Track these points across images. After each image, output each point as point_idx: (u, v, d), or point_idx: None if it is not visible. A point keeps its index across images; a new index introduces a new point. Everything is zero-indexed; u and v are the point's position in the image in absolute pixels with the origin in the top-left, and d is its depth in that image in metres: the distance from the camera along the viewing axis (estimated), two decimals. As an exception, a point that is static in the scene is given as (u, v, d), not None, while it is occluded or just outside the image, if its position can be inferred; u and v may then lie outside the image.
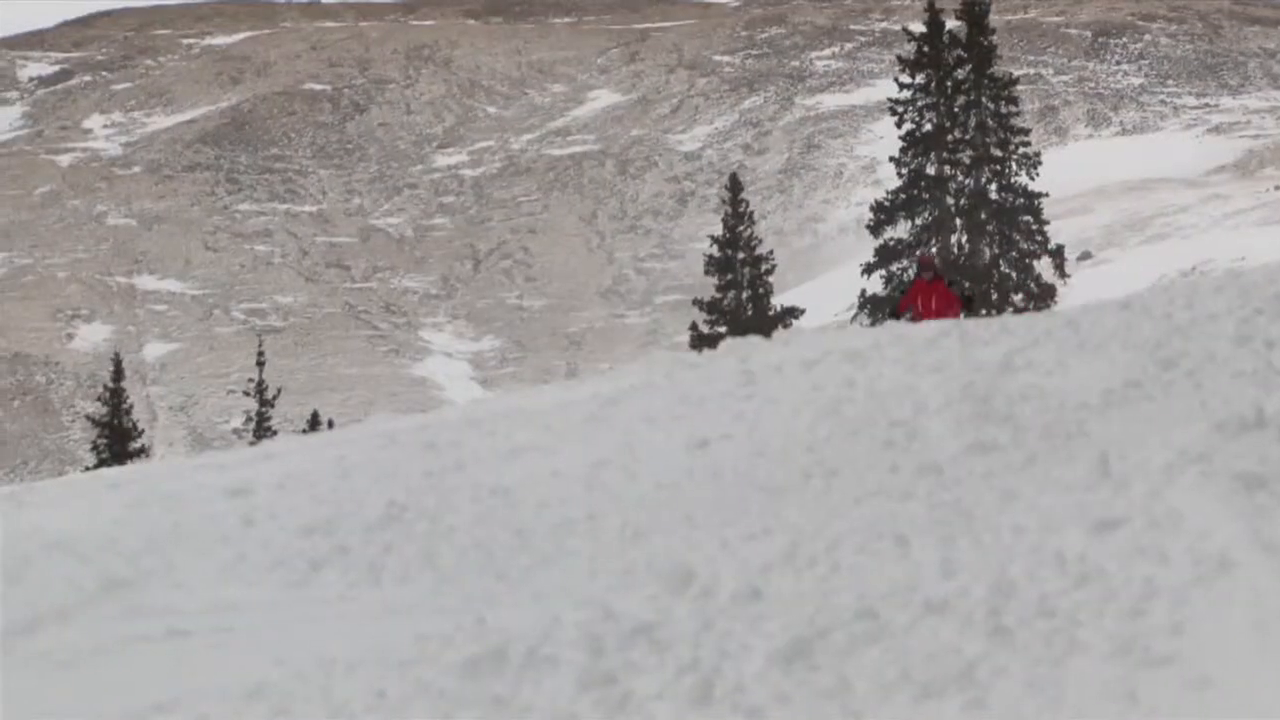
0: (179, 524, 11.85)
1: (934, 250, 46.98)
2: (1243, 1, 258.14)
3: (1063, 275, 73.95)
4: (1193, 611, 7.00)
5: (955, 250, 73.34)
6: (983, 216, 73.14)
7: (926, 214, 73.97)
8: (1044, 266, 72.14)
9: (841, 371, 13.56)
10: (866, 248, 79.69)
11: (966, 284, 40.60)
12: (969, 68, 75.88)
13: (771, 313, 68.60)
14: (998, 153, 74.48)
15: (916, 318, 33.66)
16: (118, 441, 64.96)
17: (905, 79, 77.25)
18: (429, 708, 7.23)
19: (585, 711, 6.96)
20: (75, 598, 9.89)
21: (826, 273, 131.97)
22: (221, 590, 9.72)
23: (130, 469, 18.86)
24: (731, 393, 13.66)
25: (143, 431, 70.38)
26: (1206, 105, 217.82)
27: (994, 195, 74.18)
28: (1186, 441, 9.17)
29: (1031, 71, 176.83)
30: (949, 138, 74.81)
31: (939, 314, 32.36)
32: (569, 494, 10.78)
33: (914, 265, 42.52)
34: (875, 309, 67.46)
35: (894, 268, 72.66)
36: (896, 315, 35.57)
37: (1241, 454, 8.75)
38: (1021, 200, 73.90)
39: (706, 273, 75.03)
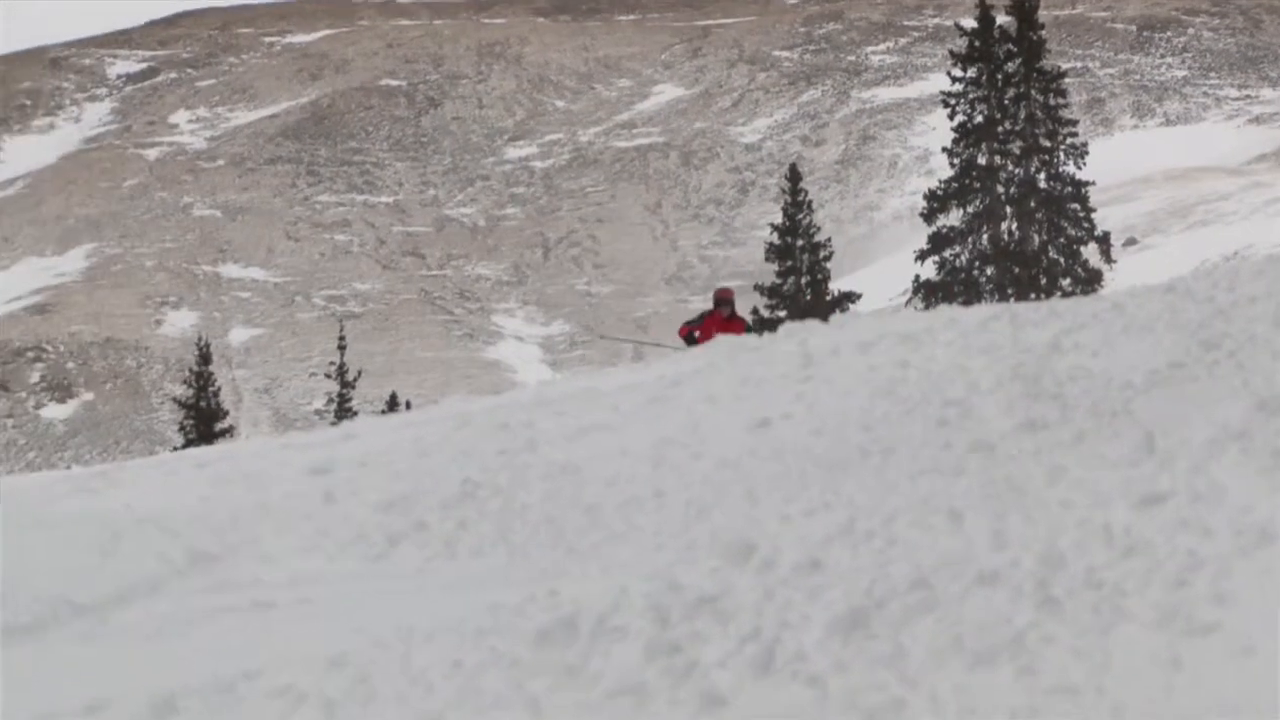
0: (263, 501, 11.88)
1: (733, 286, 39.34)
2: None
3: (1109, 261, 73.58)
4: (1235, 582, 6.99)
5: (1005, 237, 73.23)
6: (1032, 204, 72.86)
7: (978, 202, 73.80)
8: (1090, 252, 71.86)
9: (896, 353, 13.55)
10: (920, 235, 79.23)
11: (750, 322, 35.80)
12: (1019, 61, 75.59)
13: (829, 297, 68.51)
14: (1046, 143, 74.16)
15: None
16: (204, 422, 65.12)
17: (957, 72, 76.73)
18: (503, 675, 7.25)
19: (652, 679, 6.97)
20: (165, 571, 9.92)
21: (882, 259, 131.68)
22: (304, 563, 9.76)
23: (216, 449, 18.93)
24: (790, 374, 13.65)
25: (228, 413, 70.55)
26: (1248, 96, 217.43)
27: (1042, 184, 73.86)
28: (1228, 419, 9.15)
29: (1079, 65, 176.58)
30: (999, 129, 74.51)
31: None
32: (636, 472, 10.79)
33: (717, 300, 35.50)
34: (929, 296, 67.43)
35: (946, 254, 72.53)
36: (687, 338, 33.56)
37: (1281, 432, 8.74)
38: (1069, 189, 73.53)
39: (767, 259, 74.95)
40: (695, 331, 32.20)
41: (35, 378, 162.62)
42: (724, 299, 33.71)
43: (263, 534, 10.55)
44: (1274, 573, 6.98)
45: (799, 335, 16.92)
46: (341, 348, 78.79)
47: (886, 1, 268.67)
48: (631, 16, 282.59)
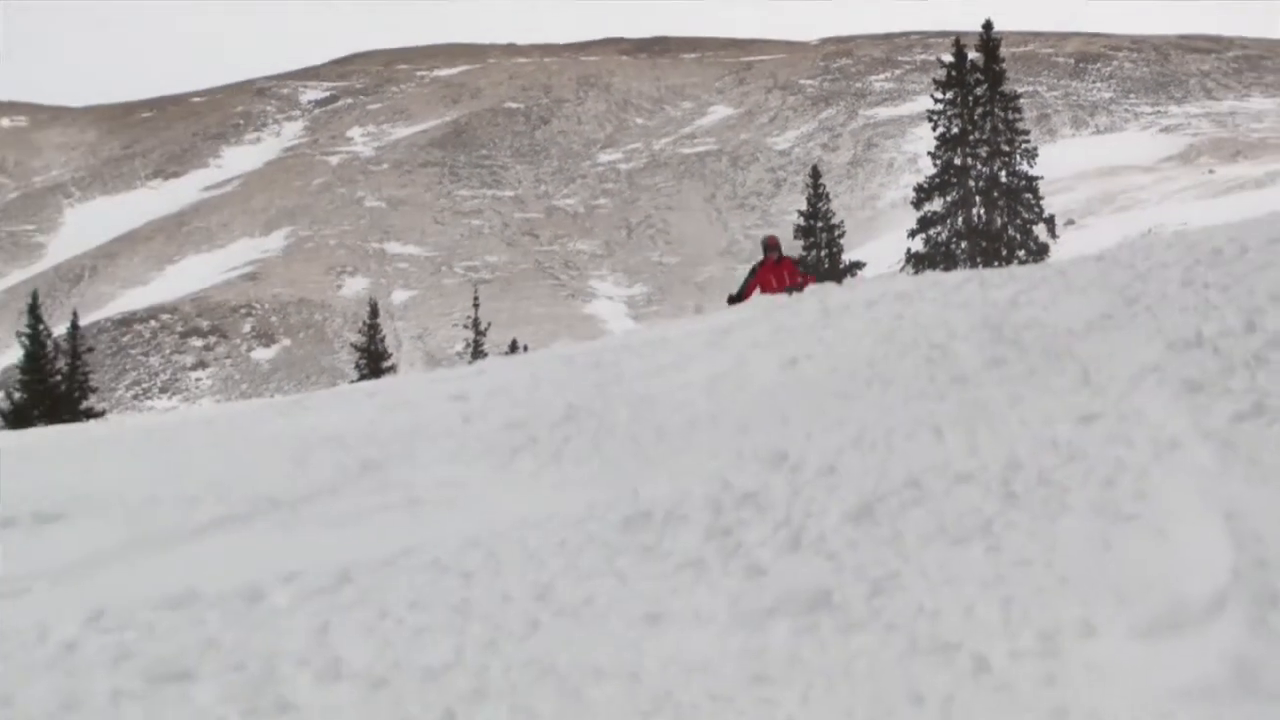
0: (416, 422, 11.85)
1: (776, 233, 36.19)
2: (1186, 36, 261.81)
3: (1054, 237, 75.45)
4: (1151, 482, 6.94)
5: (975, 219, 75.22)
6: (995, 195, 75.73)
7: (954, 193, 76.59)
8: (1040, 231, 74.92)
9: (893, 308, 13.46)
10: (911, 218, 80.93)
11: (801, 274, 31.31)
12: (985, 87, 77.96)
13: (842, 266, 71.35)
14: (1006, 148, 76.97)
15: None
16: (373, 362, 65.08)
17: (939, 95, 79.53)
18: (597, 554, 7.23)
19: (709, 556, 6.95)
20: (342, 476, 9.91)
21: (882, 237, 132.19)
22: (447, 470, 9.72)
23: (382, 382, 18.97)
24: (813, 324, 13.58)
25: (391, 355, 70.65)
26: (1159, 112, 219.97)
27: (1003, 179, 76.40)
28: (1146, 357, 9.09)
29: (1030, 89, 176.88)
30: (970, 138, 77.14)
31: (781, 289, 28.74)
32: (695, 399, 10.75)
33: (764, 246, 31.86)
34: (917, 265, 68.43)
35: (931, 232, 75.36)
36: (739, 300, 28.80)
37: (1186, 366, 8.68)
38: (1023, 182, 76.50)
39: (795, 237, 77.54)
40: (750, 290, 29.09)
41: (247, 328, 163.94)
42: (771, 245, 30.41)
43: (416, 447, 10.53)
44: (1180, 474, 6.93)
45: (819, 294, 16.90)
46: (476, 305, 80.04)
47: (886, 42, 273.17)
48: (693, 55, 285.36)
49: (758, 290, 29.16)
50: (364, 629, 6.59)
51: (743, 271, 29.88)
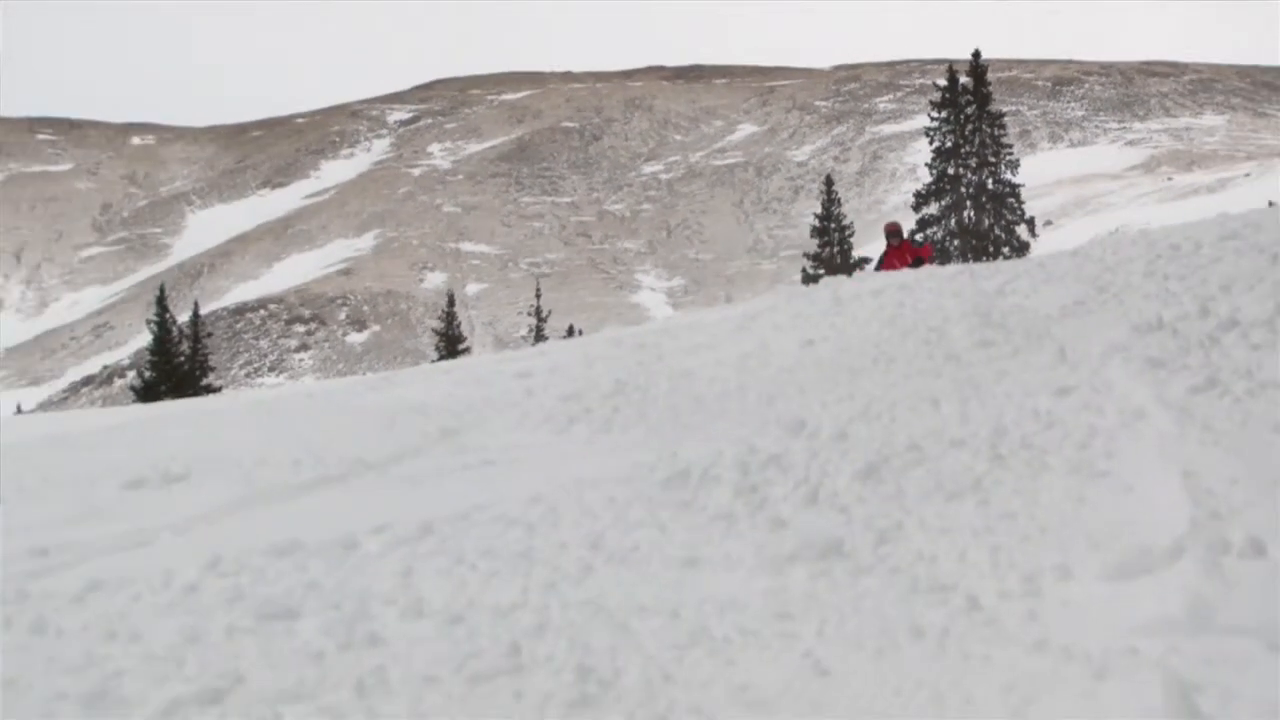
0: (487, 395, 11.84)
1: (898, 220, 34.39)
2: (1147, 62, 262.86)
3: (1034, 235, 75.79)
4: (1119, 444, 6.92)
5: (966, 220, 75.61)
6: (983, 199, 76.04)
7: (948, 199, 76.82)
8: (1021, 230, 75.10)
9: (896, 297, 13.43)
10: (911, 219, 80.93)
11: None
12: (974, 107, 77.88)
13: (851, 261, 71.36)
14: (992, 159, 77.06)
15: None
16: (450, 345, 65.28)
17: (935, 114, 79.51)
18: (642, 508, 7.22)
19: (739, 510, 6.93)
20: (424, 441, 9.90)
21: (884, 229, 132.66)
22: (513, 436, 9.71)
23: (457, 361, 18.97)
24: (827, 311, 13.55)
25: (465, 338, 70.75)
26: (1123, 128, 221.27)
27: (990, 186, 76.57)
28: (1114, 338, 9.07)
29: (1013, 108, 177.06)
30: (962, 150, 77.22)
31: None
32: (727, 375, 10.72)
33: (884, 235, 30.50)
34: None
35: (928, 232, 75.66)
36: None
37: (1149, 345, 8.66)
38: (1007, 189, 76.56)
39: (811, 236, 78.81)
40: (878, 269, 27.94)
41: (342, 316, 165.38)
42: (892, 231, 29.32)
43: (487, 416, 10.51)
44: (1144, 439, 6.91)
45: (832, 285, 16.86)
46: (537, 296, 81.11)
47: (889, 68, 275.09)
48: (724, 80, 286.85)
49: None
50: (442, 573, 6.60)
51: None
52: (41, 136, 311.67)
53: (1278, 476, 6.06)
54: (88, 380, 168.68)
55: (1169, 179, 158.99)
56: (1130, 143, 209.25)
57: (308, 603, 6.32)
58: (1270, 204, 18.66)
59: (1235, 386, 7.54)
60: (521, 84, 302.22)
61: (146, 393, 56.10)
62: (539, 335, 73.33)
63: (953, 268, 16.58)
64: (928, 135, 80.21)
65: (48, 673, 5.72)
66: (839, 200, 78.95)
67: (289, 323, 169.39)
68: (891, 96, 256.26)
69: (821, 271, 68.81)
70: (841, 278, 20.11)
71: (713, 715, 4.68)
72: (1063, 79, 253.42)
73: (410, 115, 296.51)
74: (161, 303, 61.21)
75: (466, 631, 5.73)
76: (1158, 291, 10.52)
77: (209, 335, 71.31)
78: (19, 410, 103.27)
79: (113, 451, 11.57)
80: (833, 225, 77.02)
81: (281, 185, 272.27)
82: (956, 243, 73.87)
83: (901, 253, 28.44)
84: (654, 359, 12.20)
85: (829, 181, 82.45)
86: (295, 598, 6.42)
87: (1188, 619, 4.79)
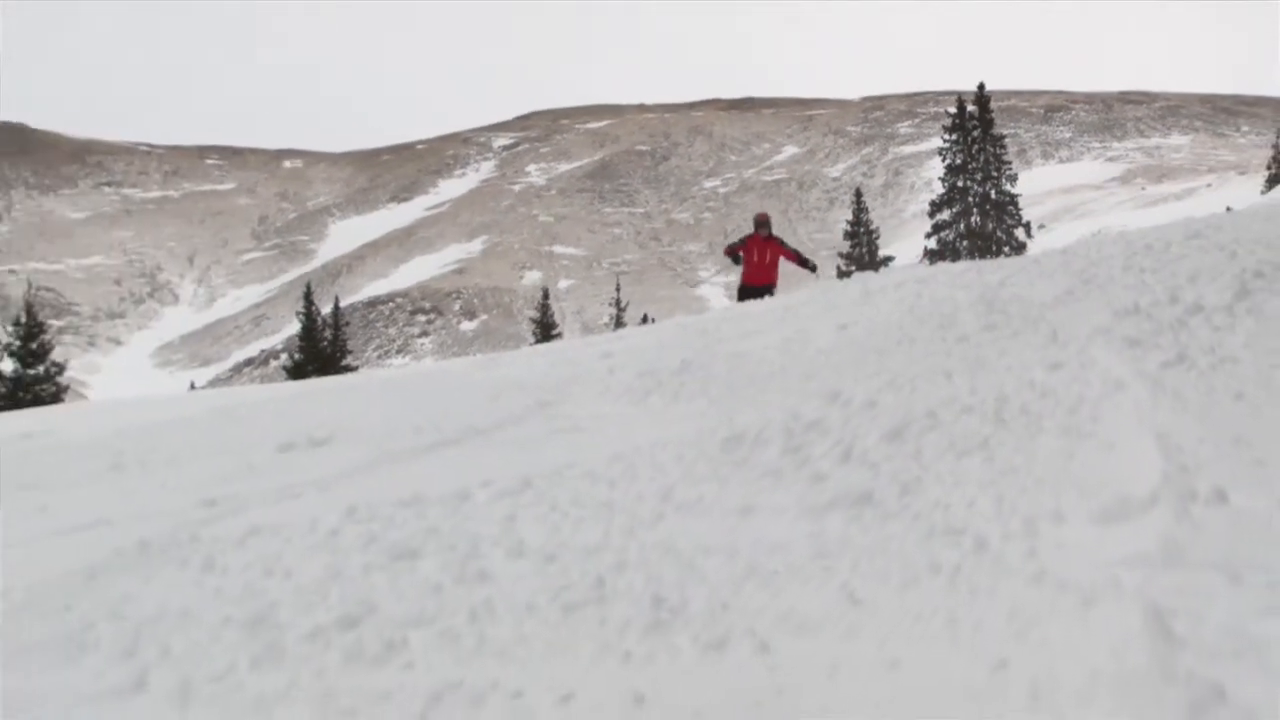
0: (575, 373, 11.83)
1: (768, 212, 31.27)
2: (1124, 92, 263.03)
3: (1029, 236, 76.16)
4: (1102, 410, 6.85)
5: (973, 225, 76.19)
6: (987, 207, 77.51)
7: (958, 207, 77.64)
8: (1020, 233, 75.88)
9: (915, 289, 13.33)
10: (926, 224, 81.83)
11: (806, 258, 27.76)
12: (979, 130, 78.42)
13: (877, 260, 72.08)
14: (994, 174, 78.10)
15: (748, 264, 26.41)
16: (544, 331, 65.36)
17: (947, 136, 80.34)
18: (705, 465, 7.19)
19: (785, 466, 6.90)
20: (524, 411, 9.89)
21: (906, 238, 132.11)
22: (597, 406, 9.69)
23: (551, 345, 19.02)
24: (857, 301, 13.48)
25: (557, 326, 70.91)
26: (1105, 146, 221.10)
27: (993, 196, 77.47)
28: (1098, 322, 8.97)
29: (1012, 131, 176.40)
30: (969, 166, 78.06)
31: (762, 266, 26.21)
32: (773, 355, 10.68)
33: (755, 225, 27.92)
34: (932, 258, 68.91)
35: (942, 235, 76.75)
36: (733, 255, 26.99)
37: (1127, 328, 8.57)
38: (1007, 198, 77.95)
39: (844, 239, 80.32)
40: (739, 251, 26.51)
41: (456, 307, 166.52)
42: (761, 221, 26.86)
43: (575, 390, 10.50)
44: (1124, 405, 6.84)
45: (861, 280, 16.79)
46: (617, 290, 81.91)
47: (908, 99, 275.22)
48: (770, 110, 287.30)
49: (742, 254, 26.73)
50: (539, 520, 6.60)
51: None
52: (210, 161, 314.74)
53: (1237, 436, 6.01)
54: (248, 362, 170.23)
55: (1143, 189, 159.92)
56: (1110, 159, 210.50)
57: (428, 545, 6.34)
58: (1228, 209, 18.51)
59: (1200, 361, 7.48)
60: (603, 115, 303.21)
61: (296, 372, 56.56)
62: (618, 323, 73.67)
63: (962, 264, 16.48)
64: (940, 154, 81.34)
65: (216, 602, 5.79)
66: (866, 209, 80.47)
67: (412, 313, 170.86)
68: (910, 122, 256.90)
69: (852, 268, 70.36)
70: (869, 273, 20.02)
71: (764, 637, 4.68)
72: (1053, 106, 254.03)
73: (511, 141, 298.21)
74: (308, 298, 61.71)
75: (559, 568, 5.75)
76: (1134, 283, 10.42)
77: (347, 324, 71.56)
78: (192, 386, 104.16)
79: (268, 421, 11.63)
80: (861, 230, 78.35)
81: (406, 200, 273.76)
82: (965, 243, 75.22)
83: (765, 246, 26.41)
84: (714, 342, 12.17)
85: (858, 194, 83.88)
86: (418, 540, 6.44)
87: (1162, 556, 4.77)
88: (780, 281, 25.90)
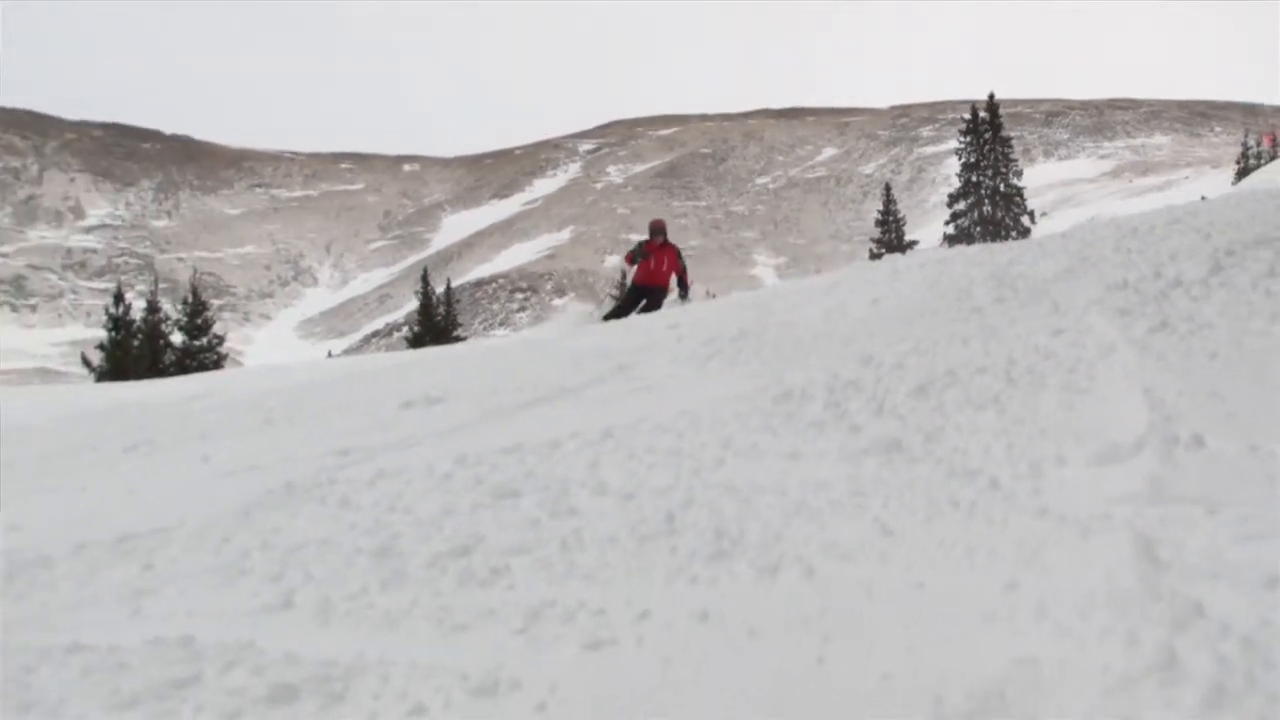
0: (648, 340, 11.80)
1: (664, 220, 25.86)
2: (1113, 99, 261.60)
3: (1033, 223, 76.65)
4: (1097, 370, 6.79)
5: (985, 213, 76.36)
6: (997, 198, 78.00)
7: (972, 198, 77.69)
8: (1025, 220, 76.38)
9: (936, 268, 13.22)
10: (945, 213, 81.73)
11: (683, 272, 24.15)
12: (990, 133, 78.33)
13: (904, 244, 71.99)
14: (1003, 170, 78.18)
15: (640, 273, 23.60)
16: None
17: (962, 139, 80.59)
18: (759, 418, 7.16)
19: (827, 419, 6.86)
20: (604, 373, 9.87)
21: (929, 225, 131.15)
22: (667, 369, 9.66)
23: (625, 320, 19.04)
24: (888, 278, 13.36)
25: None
26: (1097, 146, 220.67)
27: (1002, 189, 77.93)
28: (1092, 294, 8.88)
29: (1017, 134, 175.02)
30: (981, 164, 78.27)
31: (656, 275, 23.47)
32: (816, 325, 10.61)
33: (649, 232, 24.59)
34: (950, 242, 68.87)
35: (959, 222, 77.01)
36: (630, 261, 23.88)
37: (1117, 299, 8.48)
38: (1014, 190, 78.10)
39: (876, 226, 79.96)
40: (638, 259, 23.41)
41: (548, 286, 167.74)
42: (657, 228, 23.79)
43: (648, 356, 10.47)
44: (1115, 365, 6.78)
45: (891, 261, 16.66)
46: (684, 268, 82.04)
47: (930, 107, 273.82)
48: (813, 117, 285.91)
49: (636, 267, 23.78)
50: (619, 465, 6.60)
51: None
52: (343, 165, 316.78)
53: (1212, 390, 5.99)
54: (375, 334, 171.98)
55: (1130, 182, 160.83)
56: (1102, 157, 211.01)
57: (526, 486, 6.35)
58: (1203, 198, 18.28)
59: (1180, 327, 7.42)
60: (671, 123, 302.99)
61: (415, 342, 57.01)
62: (684, 298, 74.15)
63: (976, 247, 16.34)
64: (957, 154, 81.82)
65: (350, 534, 5.83)
66: (894, 201, 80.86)
67: (511, 292, 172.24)
68: (931, 127, 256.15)
69: (883, 251, 70.03)
70: (897, 255, 19.86)
71: (810, 563, 4.67)
72: (1053, 112, 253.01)
73: (594, 146, 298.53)
74: (425, 280, 62.20)
75: (636, 505, 5.75)
76: (1123, 261, 10.30)
77: (457, 301, 72.00)
78: (329, 354, 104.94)
79: (392, 383, 11.67)
80: (890, 219, 78.77)
81: (506, 196, 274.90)
82: (979, 229, 75.45)
83: (661, 254, 23.56)
84: (765, 314, 12.10)
85: (887, 188, 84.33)
86: (517, 482, 6.45)
87: (1148, 492, 4.75)
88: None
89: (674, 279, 23.88)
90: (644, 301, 23.40)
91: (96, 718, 3.93)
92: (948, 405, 6.73)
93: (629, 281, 24.25)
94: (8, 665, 4.37)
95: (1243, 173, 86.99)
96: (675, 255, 23.76)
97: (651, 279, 23.60)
